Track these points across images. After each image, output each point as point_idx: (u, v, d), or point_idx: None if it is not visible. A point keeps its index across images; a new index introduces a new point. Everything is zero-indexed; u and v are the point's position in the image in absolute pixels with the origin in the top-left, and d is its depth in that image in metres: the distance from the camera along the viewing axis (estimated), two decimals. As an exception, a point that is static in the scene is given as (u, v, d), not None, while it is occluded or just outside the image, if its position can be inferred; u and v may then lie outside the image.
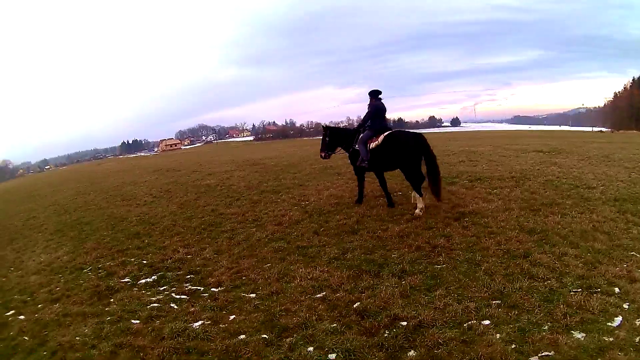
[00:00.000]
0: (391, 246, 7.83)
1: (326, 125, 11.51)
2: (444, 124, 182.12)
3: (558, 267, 6.29)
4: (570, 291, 5.60)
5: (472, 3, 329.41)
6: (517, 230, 7.99)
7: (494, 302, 5.44)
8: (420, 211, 9.49)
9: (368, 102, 10.46)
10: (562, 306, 5.20)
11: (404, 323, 5.22)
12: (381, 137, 9.83)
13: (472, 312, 5.28)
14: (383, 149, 9.81)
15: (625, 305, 5.17)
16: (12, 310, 7.80)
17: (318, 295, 6.30)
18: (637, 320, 4.84)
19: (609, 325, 4.77)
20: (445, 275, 6.39)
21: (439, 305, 5.51)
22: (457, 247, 7.44)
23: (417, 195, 9.71)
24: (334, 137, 11.10)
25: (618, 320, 4.86)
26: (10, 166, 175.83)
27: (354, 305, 5.82)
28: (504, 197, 10.46)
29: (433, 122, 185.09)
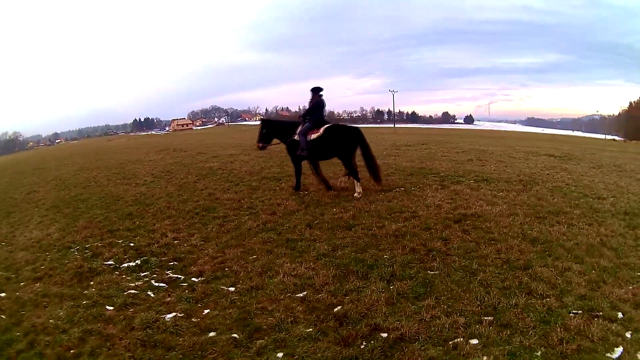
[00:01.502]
0: (384, 246, 7.46)
1: (263, 118, 12.54)
2: (457, 121, 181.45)
3: (559, 284, 5.82)
4: (570, 312, 5.14)
5: (497, 2, 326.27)
6: (519, 239, 7.54)
7: (485, 318, 4.99)
8: (359, 194, 10.80)
9: (311, 97, 11.56)
10: (559, 330, 4.74)
11: (385, 335, 4.82)
12: (322, 129, 11.00)
13: (460, 328, 4.84)
14: (323, 140, 10.97)
15: (628, 334, 4.68)
16: None
17: (299, 295, 5.97)
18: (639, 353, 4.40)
19: (607, 357, 4.32)
20: (437, 283, 5.97)
21: (426, 317, 5.09)
22: (454, 252, 7.03)
23: (356, 181, 11.10)
24: (270, 129, 12.06)
25: (619, 351, 4.38)
26: (21, 138, 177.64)
27: (335, 310, 5.46)
28: (510, 201, 10.05)
29: (446, 118, 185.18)
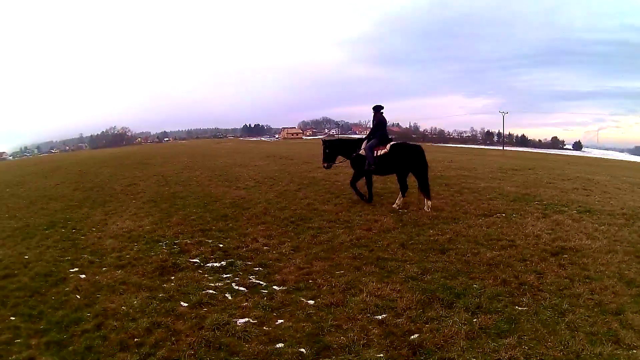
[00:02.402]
0: (476, 274, 7.20)
1: (324, 139, 14.01)
2: (566, 146, 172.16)
3: (649, 335, 5.27)
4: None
5: (607, 21, 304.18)
6: (615, 279, 6.92)
7: None
8: (428, 208, 11.69)
9: (373, 115, 12.87)
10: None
11: None
12: (388, 146, 12.28)
13: None
14: (389, 156, 12.19)
15: None
16: (76, 267, 8.41)
17: (377, 317, 5.87)
18: None
19: None
20: (523, 321, 5.62)
21: (503, 357, 4.79)
22: (546, 287, 6.62)
23: (425, 196, 11.99)
24: (333, 148, 13.40)
25: None
26: (129, 134, 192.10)
27: (411, 337, 5.30)
28: (610, 237, 9.28)
29: (555, 142, 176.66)
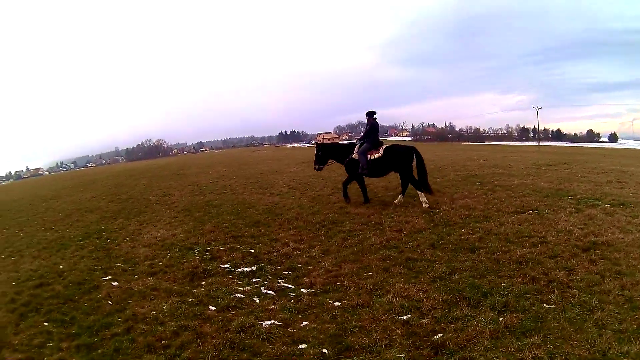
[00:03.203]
0: (505, 273, 7.19)
1: (317, 142, 15.04)
2: (602, 139, 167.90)
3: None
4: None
5: (635, 9, 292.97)
6: None
7: None
8: (425, 203, 12.36)
9: (366, 121, 13.71)
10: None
11: None
12: (381, 150, 13.12)
13: None
14: (383, 160, 13.00)
15: None
16: (109, 276, 8.87)
17: (402, 317, 5.97)
18: None
19: None
20: (550, 319, 5.58)
21: (527, 357, 4.78)
22: (575, 284, 6.54)
23: (420, 192, 12.65)
24: (325, 152, 14.18)
25: None
26: (165, 145, 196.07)
27: (434, 337, 5.38)
28: None
29: (591, 136, 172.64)
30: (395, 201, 13.08)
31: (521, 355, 4.86)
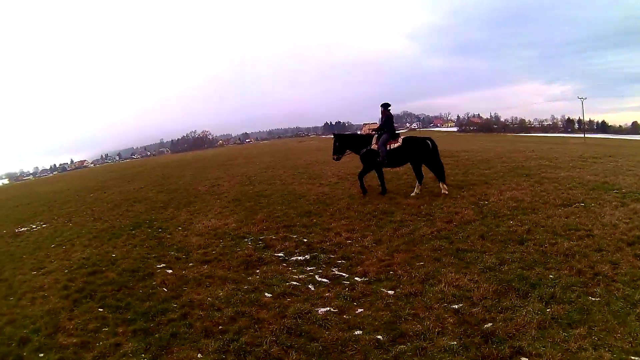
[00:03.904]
0: (552, 265, 7.24)
1: (335, 133, 15.43)
2: None
3: None
4: None
5: None
6: None
7: (633, 358, 4.76)
8: (446, 190, 13.14)
9: (381, 112, 14.31)
10: None
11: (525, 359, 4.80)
12: (400, 140, 13.73)
13: None
14: (402, 149, 13.56)
15: None
16: (163, 263, 9.21)
17: (453, 306, 6.13)
18: None
19: None
20: (595, 311, 5.67)
21: (572, 347, 4.90)
22: (620, 278, 6.56)
23: (441, 182, 13.42)
24: (342, 142, 14.73)
25: None
26: (210, 137, 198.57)
27: (484, 326, 5.52)
28: None
29: (636, 128, 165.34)
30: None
31: (567, 345, 4.99)
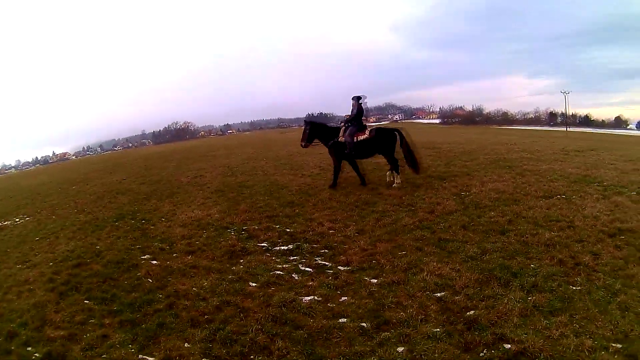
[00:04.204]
0: (533, 255, 7.46)
1: (307, 120, 15.32)
2: (630, 126, 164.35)
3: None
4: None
5: None
6: None
7: (613, 345, 4.95)
8: (398, 184, 13.39)
9: (352, 104, 14.26)
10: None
11: (508, 346, 5.00)
12: (367, 132, 13.86)
13: (585, 352, 4.80)
14: (370, 141, 13.67)
15: None
16: (148, 255, 9.25)
17: (437, 294, 6.33)
18: None
19: None
20: (576, 300, 5.91)
21: (554, 334, 5.13)
22: (600, 268, 6.80)
23: (396, 173, 13.70)
24: (313, 130, 14.67)
25: None
26: (192, 128, 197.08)
27: (467, 313, 5.73)
28: None
29: (619, 122, 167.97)
30: (394, 184, 13.52)
31: (549, 332, 5.20)
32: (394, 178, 13.73)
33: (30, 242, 11.64)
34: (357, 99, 14.20)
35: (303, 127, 15.13)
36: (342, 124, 14.68)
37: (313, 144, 14.76)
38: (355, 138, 13.77)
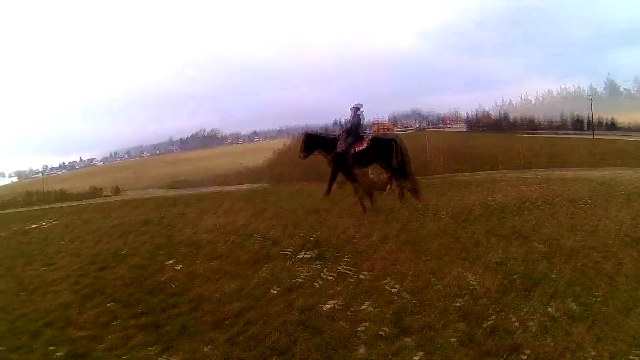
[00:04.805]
0: (556, 261, 7.38)
1: (306, 132, 15.73)
2: None
3: None
4: None
5: None
6: None
7: (635, 351, 4.88)
8: (396, 190, 13.68)
9: (350, 114, 14.29)
10: None
11: (524, 357, 4.91)
12: (366, 141, 13.76)
13: None
14: (368, 150, 13.60)
15: None
16: (172, 259, 9.33)
17: (458, 300, 6.27)
18: None
19: None
20: (598, 306, 5.82)
21: (574, 340, 5.07)
22: (623, 275, 6.70)
23: (394, 180, 13.92)
24: (312, 142, 14.41)
25: None
26: (219, 135, 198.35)
27: (487, 321, 5.67)
28: None
29: None
30: (387, 189, 14.21)
31: (569, 339, 5.11)
32: (391, 184, 14.05)
33: (57, 245, 11.84)
34: (355, 109, 14.25)
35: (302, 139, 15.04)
36: (340, 134, 14.57)
37: (313, 153, 14.60)
38: (354, 149, 13.75)
